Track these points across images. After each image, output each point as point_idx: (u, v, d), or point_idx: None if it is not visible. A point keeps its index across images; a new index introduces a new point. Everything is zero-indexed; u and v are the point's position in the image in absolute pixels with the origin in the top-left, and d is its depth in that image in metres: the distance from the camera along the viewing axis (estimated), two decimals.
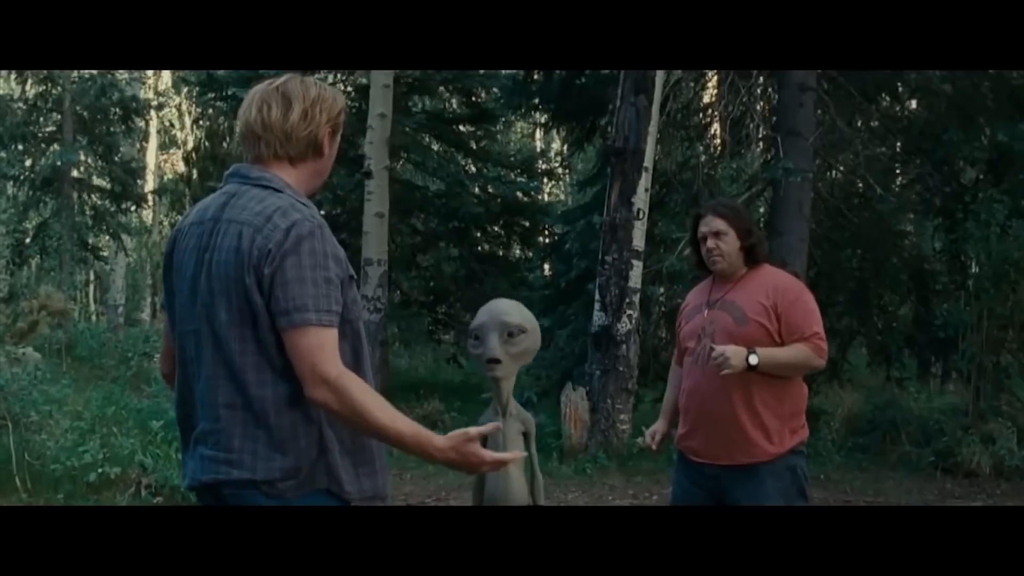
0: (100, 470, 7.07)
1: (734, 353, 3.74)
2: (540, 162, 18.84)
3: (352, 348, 2.60)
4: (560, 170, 20.16)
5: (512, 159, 18.61)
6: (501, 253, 18.05)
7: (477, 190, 16.66)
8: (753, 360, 3.78)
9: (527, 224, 17.54)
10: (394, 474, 9.55)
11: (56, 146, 19.61)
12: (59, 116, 19.61)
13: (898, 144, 11.89)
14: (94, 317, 28.77)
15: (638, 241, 10.27)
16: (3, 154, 18.97)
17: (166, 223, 22.74)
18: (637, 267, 10.27)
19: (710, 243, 4.03)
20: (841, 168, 13.15)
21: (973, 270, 11.50)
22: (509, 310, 4.07)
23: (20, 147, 19.69)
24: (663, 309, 11.83)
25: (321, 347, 2.41)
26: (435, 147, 17.60)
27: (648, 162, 10.28)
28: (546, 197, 22.40)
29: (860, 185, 12.62)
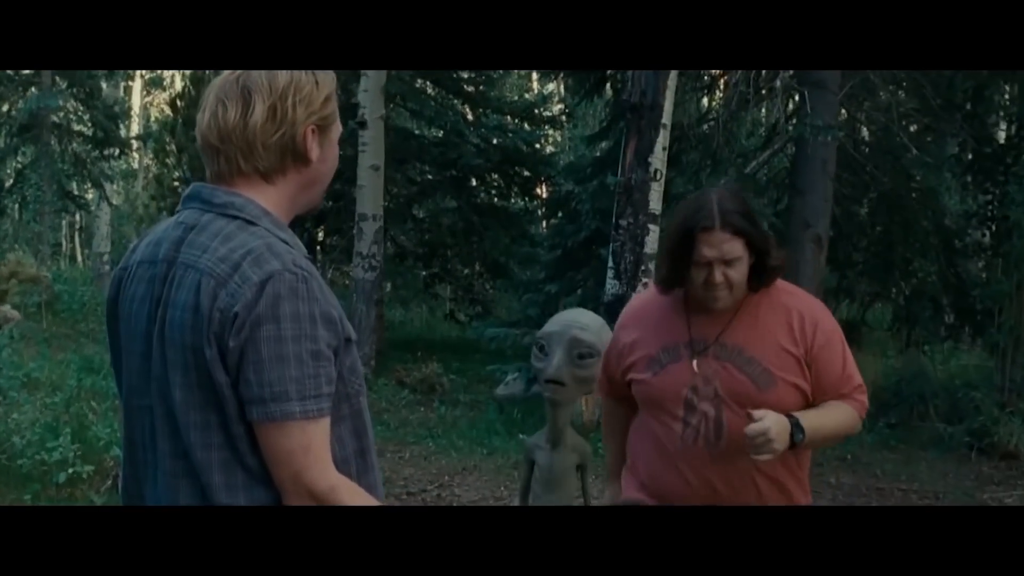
0: (71, 470, 6.39)
1: (778, 434, 2.61)
2: (540, 109, 18.01)
3: (354, 432, 1.97)
4: (563, 118, 19.36)
5: (513, 105, 17.80)
6: (500, 204, 17.35)
7: (476, 139, 15.87)
8: (799, 438, 2.68)
9: (527, 174, 16.86)
10: (394, 453, 9.03)
11: (34, 90, 18.78)
12: None
13: (932, 99, 11.08)
14: (80, 263, 28.21)
15: (655, 204, 9.54)
16: None
17: (153, 168, 21.99)
18: (654, 232, 9.54)
19: (716, 275, 2.72)
20: (864, 122, 12.41)
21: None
22: (586, 324, 3.47)
23: None
24: None
25: (307, 449, 1.81)
26: (432, 93, 16.80)
27: (667, 118, 9.51)
28: (548, 147, 21.63)
29: (887, 140, 11.89)
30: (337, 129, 2.06)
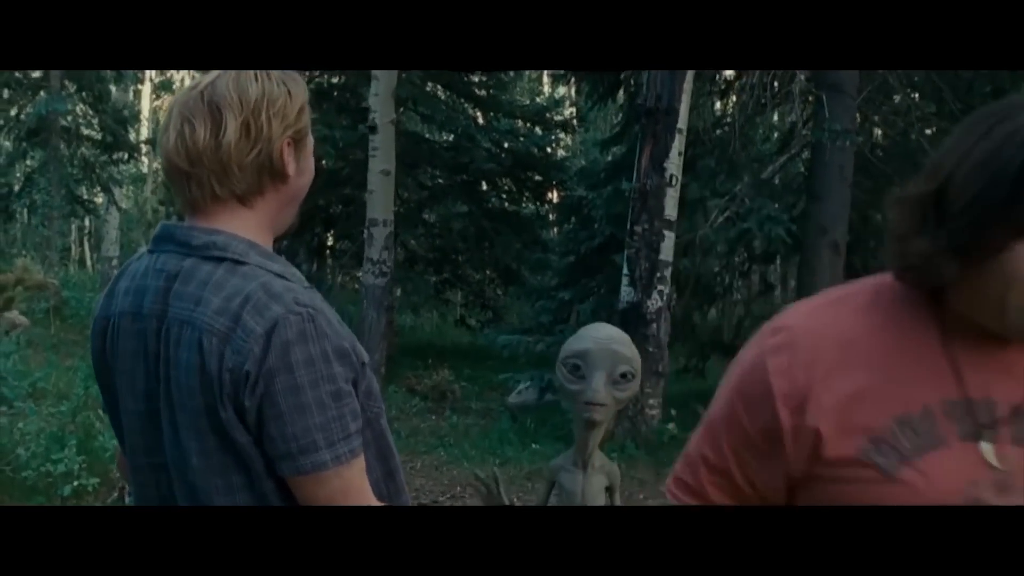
0: (76, 482, 6.26)
1: None
2: (552, 113, 17.89)
3: (379, 455, 1.83)
4: (575, 122, 19.24)
5: (524, 109, 17.68)
6: (512, 209, 17.20)
7: (488, 144, 15.75)
8: None
9: (539, 179, 16.74)
10: (405, 463, 8.84)
11: (43, 93, 18.67)
12: None
13: (951, 103, 10.89)
14: (89, 267, 28.15)
15: (671, 210, 9.37)
16: None
17: (162, 172, 21.87)
18: (669, 238, 9.39)
19: None
20: (881, 126, 12.24)
21: None
22: (623, 342, 3.28)
23: (4, 95, 18.80)
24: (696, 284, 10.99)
25: (346, 492, 1.70)
26: (443, 97, 16.67)
27: (682, 123, 9.35)
28: (560, 151, 21.51)
29: (904, 144, 11.71)
30: (311, 140, 1.89)
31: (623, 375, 3.29)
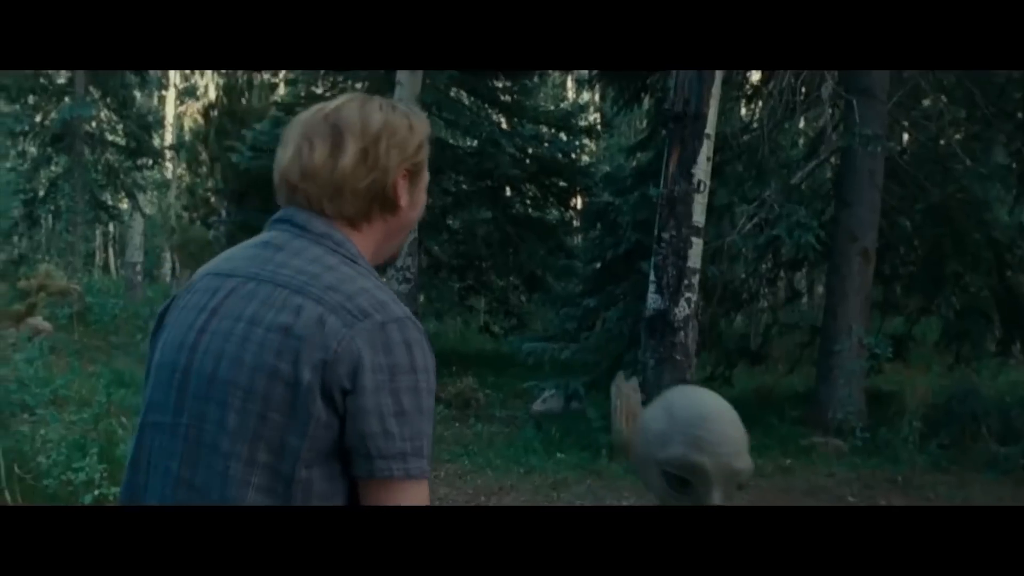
0: (97, 491, 6.17)
1: None
2: (576, 119, 17.77)
3: None
4: (599, 128, 19.13)
5: (549, 114, 17.57)
6: (536, 215, 17.09)
7: (512, 149, 15.65)
8: None
9: (564, 185, 16.63)
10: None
11: (68, 99, 18.72)
12: None
13: (983, 107, 10.69)
14: (113, 272, 28.25)
15: (698, 216, 9.23)
16: (15, 107, 18.18)
17: (186, 178, 21.91)
18: (697, 245, 9.24)
19: None
20: (911, 130, 12.07)
21: None
22: (735, 439, 2.66)
23: (30, 100, 18.85)
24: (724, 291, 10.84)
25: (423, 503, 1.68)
26: (467, 102, 16.58)
27: (711, 128, 9.21)
28: (584, 157, 21.40)
29: (934, 149, 11.54)
30: (427, 176, 1.89)
31: (740, 487, 2.71)
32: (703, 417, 2.38)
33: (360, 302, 1.61)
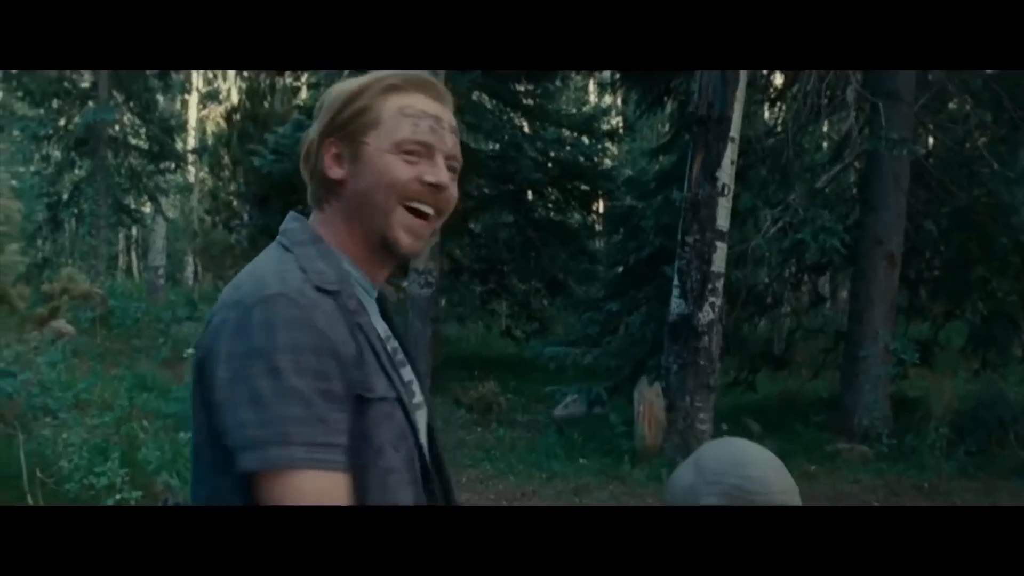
0: (119, 496, 6.17)
1: None
2: (598, 122, 17.69)
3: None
4: (622, 131, 19.05)
5: (571, 118, 17.50)
6: (558, 219, 17.03)
7: (534, 153, 15.59)
8: None
9: (586, 188, 16.55)
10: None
11: (91, 103, 18.78)
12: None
13: (1011, 110, 10.54)
14: (136, 275, 28.33)
15: (722, 220, 9.15)
16: (39, 111, 18.24)
17: (208, 182, 21.94)
18: (721, 249, 9.17)
19: None
20: (936, 133, 11.94)
21: None
22: (787, 484, 2.03)
23: (54, 104, 18.92)
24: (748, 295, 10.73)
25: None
26: (489, 106, 16.53)
27: (735, 131, 9.13)
28: (606, 160, 21.32)
29: (959, 153, 11.41)
30: (380, 137, 1.61)
31: None
32: (736, 463, 1.95)
33: (239, 286, 1.51)
